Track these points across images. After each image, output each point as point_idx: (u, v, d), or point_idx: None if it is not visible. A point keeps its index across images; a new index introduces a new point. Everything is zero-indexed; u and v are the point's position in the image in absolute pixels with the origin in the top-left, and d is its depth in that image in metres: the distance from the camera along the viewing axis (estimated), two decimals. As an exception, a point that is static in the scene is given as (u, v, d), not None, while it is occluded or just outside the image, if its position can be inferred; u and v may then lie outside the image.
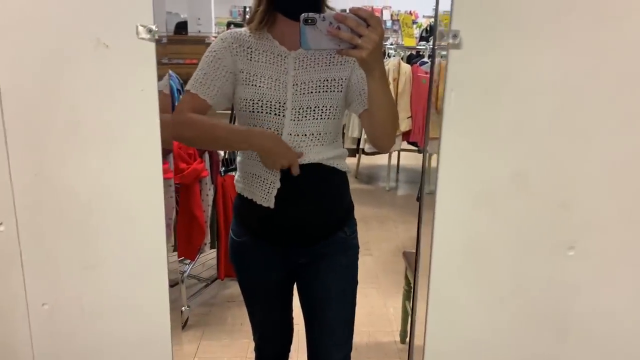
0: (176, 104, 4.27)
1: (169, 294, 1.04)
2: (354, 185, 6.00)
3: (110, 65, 0.92)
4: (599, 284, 1.04)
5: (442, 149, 0.89)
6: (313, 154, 1.57)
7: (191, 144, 2.65)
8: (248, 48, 1.59)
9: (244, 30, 1.63)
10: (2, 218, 1.02)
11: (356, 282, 1.79)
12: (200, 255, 3.55)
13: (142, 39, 0.86)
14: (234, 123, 3.76)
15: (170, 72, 4.21)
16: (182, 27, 9.26)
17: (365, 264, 3.98)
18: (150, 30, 0.84)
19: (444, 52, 0.83)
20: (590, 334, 1.08)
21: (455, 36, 0.80)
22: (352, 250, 1.78)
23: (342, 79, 1.58)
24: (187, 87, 1.60)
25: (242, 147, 1.63)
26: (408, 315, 2.94)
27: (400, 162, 6.43)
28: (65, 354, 1.10)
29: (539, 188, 0.94)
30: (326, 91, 1.56)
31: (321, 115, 1.56)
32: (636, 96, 0.91)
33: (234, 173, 3.43)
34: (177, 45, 8.56)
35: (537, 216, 0.96)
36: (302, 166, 1.56)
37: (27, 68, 0.95)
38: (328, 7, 1.58)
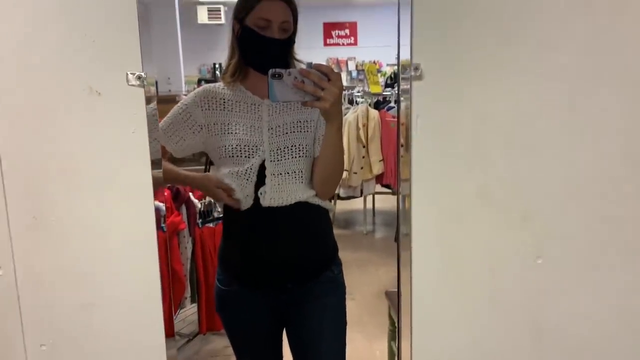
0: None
1: (164, 332, 1.06)
2: (331, 231, 6.02)
3: (102, 112, 0.98)
4: (568, 288, 1.12)
5: (413, 174, 0.97)
6: (298, 193, 1.64)
7: None
8: (221, 99, 1.68)
9: (218, 84, 1.72)
10: (0, 263, 1.04)
11: (345, 322, 1.81)
12: (181, 311, 3.49)
13: (132, 85, 0.93)
14: (208, 169, 3.81)
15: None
16: (152, 87, 9.40)
17: (349, 309, 3.95)
18: (139, 77, 0.91)
19: (407, 86, 0.92)
20: (563, 336, 1.14)
21: (416, 69, 0.90)
22: (340, 289, 1.81)
23: (313, 120, 1.68)
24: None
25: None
26: (394, 356, 2.93)
27: (376, 206, 6.51)
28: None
29: (502, 204, 1.03)
30: (300, 131, 1.65)
31: (298, 154, 1.64)
32: (582, 112, 1.02)
33: (211, 224, 3.45)
34: (147, 105, 8.63)
35: (503, 230, 1.04)
36: (289, 205, 1.62)
37: (23, 116, 1.00)
38: (296, 59, 1.69)
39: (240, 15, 1.63)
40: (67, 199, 1.03)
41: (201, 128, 1.67)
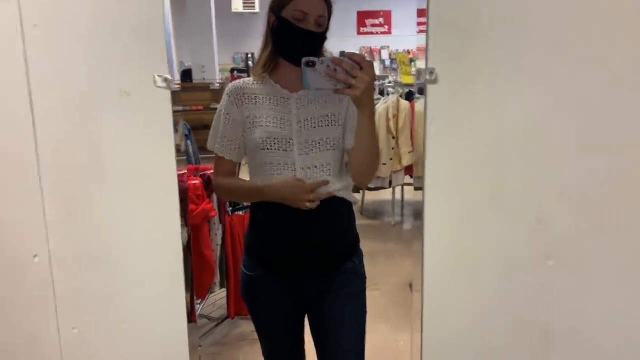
0: (182, 148, 4.38)
1: (186, 318, 1.13)
2: (359, 220, 6.00)
3: (131, 111, 1.04)
4: (578, 291, 1.12)
5: (427, 174, 0.99)
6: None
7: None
8: (252, 94, 1.72)
9: (247, 79, 1.77)
10: (37, 250, 1.13)
11: (365, 312, 1.84)
12: (210, 295, 3.58)
13: (159, 87, 0.98)
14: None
15: (178, 117, 4.37)
16: (187, 74, 9.55)
17: (374, 299, 3.96)
18: (165, 79, 0.96)
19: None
20: (572, 338, 1.15)
21: (431, 73, 0.92)
22: (360, 280, 1.84)
23: (340, 113, 1.71)
24: (214, 150, 1.78)
25: (264, 199, 1.74)
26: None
27: (405, 197, 6.48)
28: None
29: (515, 206, 1.04)
30: (328, 125, 1.68)
31: (326, 147, 1.67)
32: (597, 116, 1.02)
33: (241, 212, 3.52)
34: (182, 93, 8.81)
35: (515, 231, 1.05)
36: None
37: (59, 117, 1.07)
38: (324, 56, 1.71)
39: (277, 7, 1.67)
40: (98, 192, 1.10)
41: (240, 124, 1.73)
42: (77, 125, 1.06)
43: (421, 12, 1.04)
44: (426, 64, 0.91)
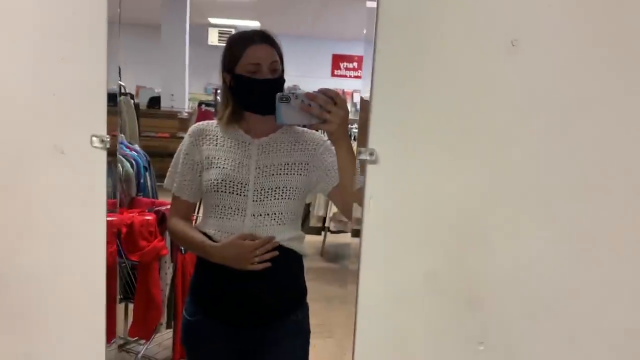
0: (142, 180, 4.29)
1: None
2: (319, 263, 5.98)
3: (64, 170, 1.02)
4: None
5: (363, 251, 1.00)
6: (275, 235, 1.67)
7: None
8: (214, 136, 1.74)
9: (211, 122, 1.78)
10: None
11: None
12: (156, 335, 3.48)
13: (96, 147, 0.97)
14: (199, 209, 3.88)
15: (138, 148, 4.31)
16: (155, 101, 9.54)
17: (325, 347, 3.90)
18: (102, 141, 0.95)
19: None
20: None
21: (371, 154, 0.93)
22: (302, 334, 1.82)
23: (302, 163, 1.72)
24: (172, 190, 1.79)
25: (209, 259, 1.73)
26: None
27: (365, 241, 6.48)
28: None
29: (447, 287, 1.05)
30: (287, 174, 1.69)
31: (282, 196, 1.67)
32: (528, 205, 1.05)
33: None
34: (149, 119, 8.77)
35: (448, 313, 1.06)
36: None
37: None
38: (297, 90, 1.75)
39: (229, 66, 1.69)
40: (25, 248, 1.06)
41: (198, 165, 1.73)
42: (8, 181, 1.03)
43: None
44: (367, 145, 0.93)
